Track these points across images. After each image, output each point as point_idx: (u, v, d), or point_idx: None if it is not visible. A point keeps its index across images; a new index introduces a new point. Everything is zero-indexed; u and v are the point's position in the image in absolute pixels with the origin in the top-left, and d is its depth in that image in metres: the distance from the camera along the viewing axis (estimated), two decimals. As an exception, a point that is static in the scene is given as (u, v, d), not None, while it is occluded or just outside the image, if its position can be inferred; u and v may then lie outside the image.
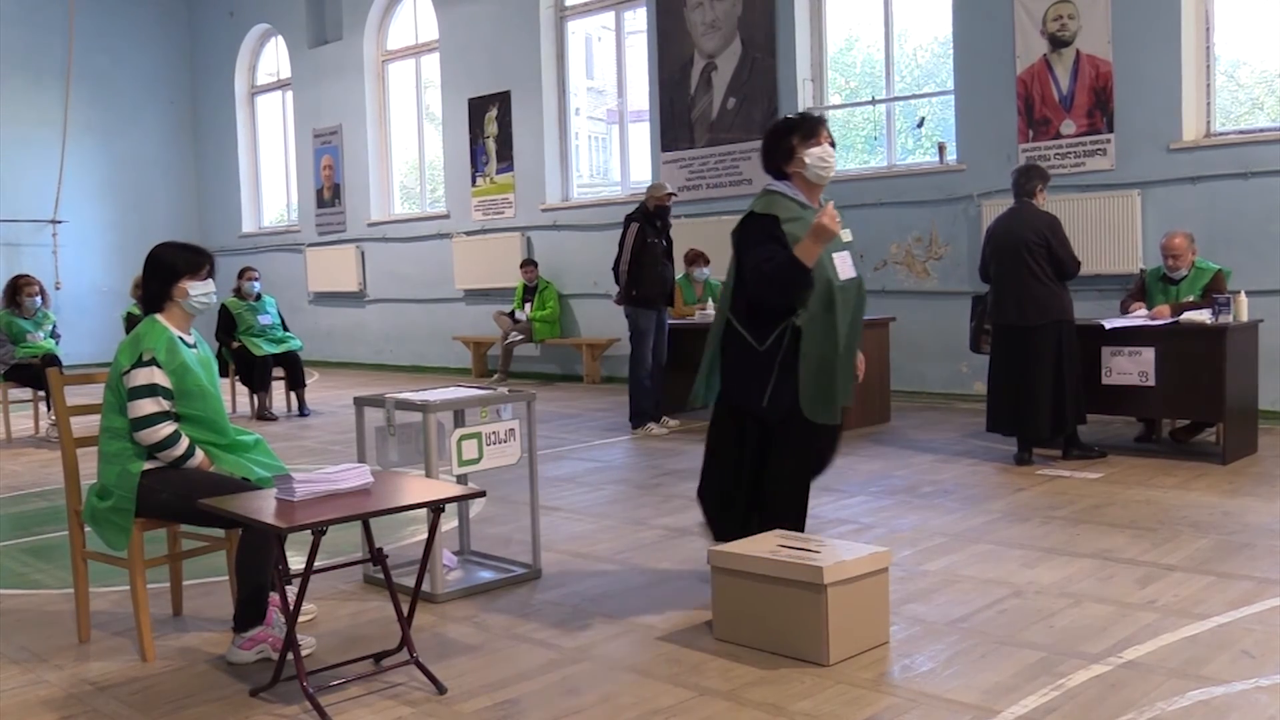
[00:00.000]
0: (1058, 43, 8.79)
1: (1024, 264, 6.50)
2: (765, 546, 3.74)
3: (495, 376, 12.22)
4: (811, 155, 3.99)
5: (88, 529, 3.92)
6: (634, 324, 8.42)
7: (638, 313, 8.38)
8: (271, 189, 16.86)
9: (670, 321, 8.74)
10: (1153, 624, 3.77)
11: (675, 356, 8.78)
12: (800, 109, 10.34)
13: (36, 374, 8.96)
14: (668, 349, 8.63)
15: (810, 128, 4.02)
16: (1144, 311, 6.97)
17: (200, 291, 3.86)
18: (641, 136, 12.01)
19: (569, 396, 10.90)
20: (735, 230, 4.05)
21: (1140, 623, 3.78)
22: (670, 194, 8.49)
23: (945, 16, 9.61)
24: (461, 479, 4.52)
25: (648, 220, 8.37)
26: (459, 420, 4.61)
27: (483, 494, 3.67)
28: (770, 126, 4.15)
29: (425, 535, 3.78)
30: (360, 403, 4.62)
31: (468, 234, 13.41)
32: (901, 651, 3.61)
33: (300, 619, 3.56)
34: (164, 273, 3.85)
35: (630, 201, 11.17)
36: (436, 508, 3.46)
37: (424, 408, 4.28)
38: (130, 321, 9.11)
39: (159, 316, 3.84)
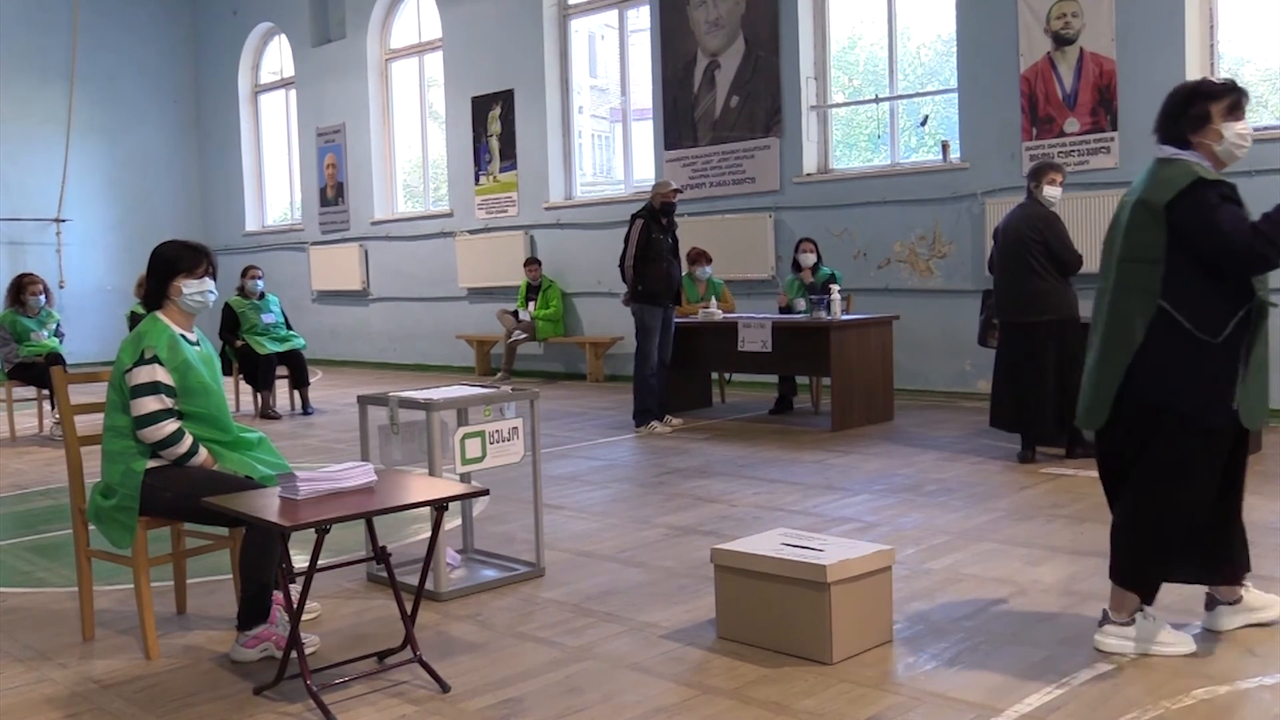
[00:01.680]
0: (1061, 41, 8.78)
1: (1024, 261, 6.51)
2: (768, 545, 3.74)
3: (499, 375, 12.22)
4: (1231, 130, 3.44)
5: (92, 527, 3.92)
6: (640, 321, 8.42)
7: (644, 309, 8.39)
8: (275, 187, 16.87)
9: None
10: (1157, 622, 3.76)
11: (678, 354, 8.79)
12: (803, 107, 10.34)
13: (41, 372, 8.97)
14: (672, 348, 8.63)
15: (1236, 100, 3.48)
16: None
17: (195, 290, 3.85)
18: (645, 135, 12.01)
19: (572, 395, 10.90)
20: (1172, 200, 3.34)
21: (1144, 621, 3.78)
22: (675, 190, 8.50)
23: (949, 14, 9.59)
24: (465, 477, 4.52)
25: (653, 217, 8.38)
26: (462, 419, 4.62)
27: (486, 492, 3.67)
28: (1183, 88, 3.56)
29: (429, 534, 3.78)
30: (364, 401, 4.62)
31: (471, 232, 13.41)
32: (905, 650, 3.61)
33: (304, 617, 3.56)
34: (161, 269, 3.85)
35: (633, 200, 11.19)
36: (440, 506, 3.46)
37: (427, 406, 4.29)
38: (134, 320, 9.12)
39: (160, 314, 3.84)
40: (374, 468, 3.60)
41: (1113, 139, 8.57)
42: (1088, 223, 8.50)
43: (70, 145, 15.62)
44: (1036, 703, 3.14)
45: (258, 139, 16.74)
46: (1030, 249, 6.49)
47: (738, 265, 10.61)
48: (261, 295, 10.37)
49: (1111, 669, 3.37)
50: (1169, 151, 3.51)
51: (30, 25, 15.39)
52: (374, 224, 14.64)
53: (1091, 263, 7.87)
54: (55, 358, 9.01)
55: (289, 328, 10.50)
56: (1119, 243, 3.51)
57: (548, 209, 12.61)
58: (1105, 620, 3.55)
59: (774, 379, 9.37)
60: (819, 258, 9.12)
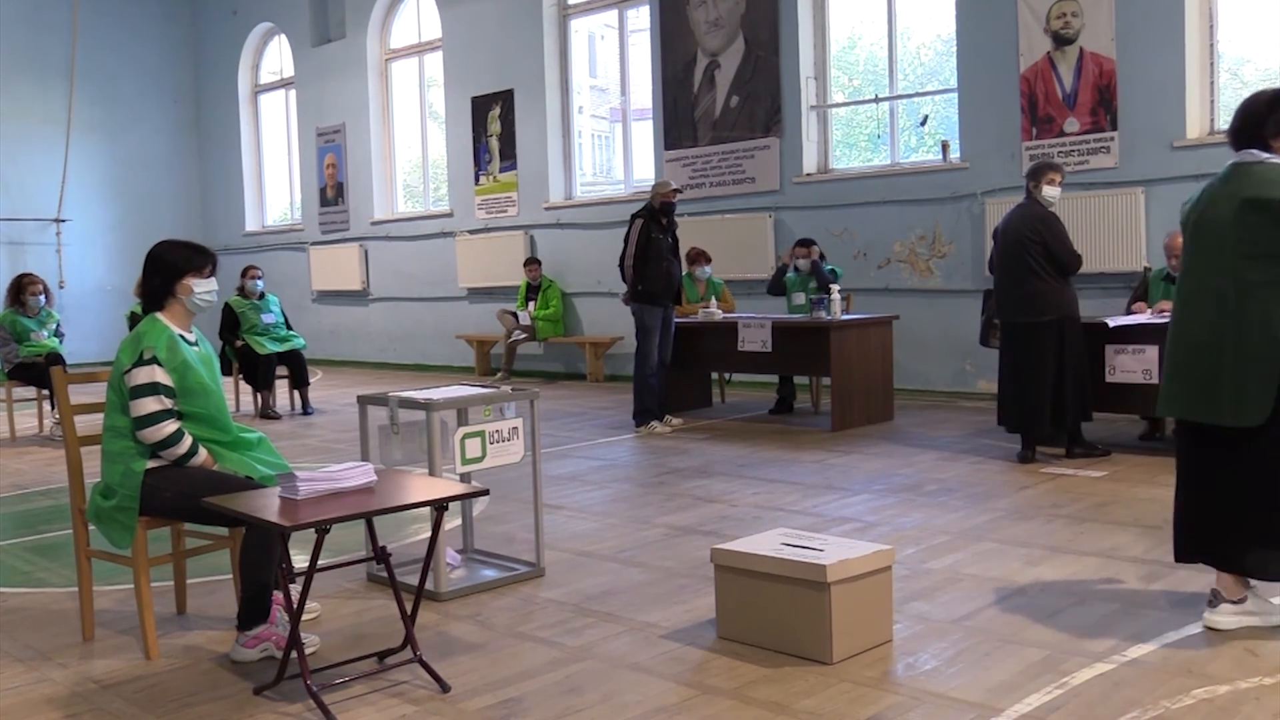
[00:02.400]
0: (1061, 40, 8.78)
1: (1023, 261, 6.51)
2: (768, 545, 3.74)
3: (498, 375, 12.22)
4: None
5: (92, 527, 3.92)
6: (640, 321, 8.42)
7: (644, 309, 8.38)
8: (275, 187, 16.87)
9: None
10: (1157, 622, 3.76)
11: (678, 354, 8.78)
12: (803, 107, 10.34)
13: (41, 373, 8.97)
14: (672, 347, 8.63)
15: None
16: (1147, 313, 6.98)
17: (204, 290, 3.88)
18: (644, 135, 12.01)
19: (572, 395, 10.90)
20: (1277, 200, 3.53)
21: (1144, 621, 3.78)
22: (675, 190, 8.51)
23: (948, 14, 9.59)
24: (465, 477, 4.52)
25: (652, 217, 8.38)
26: (462, 419, 4.62)
27: (486, 492, 3.67)
28: (1265, 95, 3.74)
29: (429, 534, 3.78)
30: (364, 401, 4.62)
31: (471, 232, 13.41)
32: (905, 650, 3.61)
33: (304, 617, 3.56)
34: (168, 269, 3.85)
35: (633, 200, 11.19)
36: (440, 506, 3.45)
37: (427, 406, 4.28)
38: (134, 320, 9.11)
39: (159, 315, 3.84)
40: (374, 468, 3.60)
41: (1112, 139, 8.56)
42: (1087, 223, 8.50)
43: (70, 145, 15.62)
44: (1036, 703, 3.14)
45: (258, 139, 16.74)
46: (1029, 249, 6.49)
47: (738, 265, 10.61)
48: (261, 295, 10.37)
49: (1111, 669, 3.37)
50: (1254, 154, 3.64)
51: (30, 25, 15.39)
52: (374, 224, 14.65)
53: (1091, 263, 7.92)
54: (55, 358, 9.02)
55: (289, 328, 10.50)
56: (1226, 241, 3.60)
57: (548, 209, 12.61)
58: (1217, 600, 3.67)
59: (774, 379, 9.38)
60: (821, 256, 9.09)
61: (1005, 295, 6.67)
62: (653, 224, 8.35)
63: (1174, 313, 3.81)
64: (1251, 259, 3.54)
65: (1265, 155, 3.61)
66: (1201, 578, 4.24)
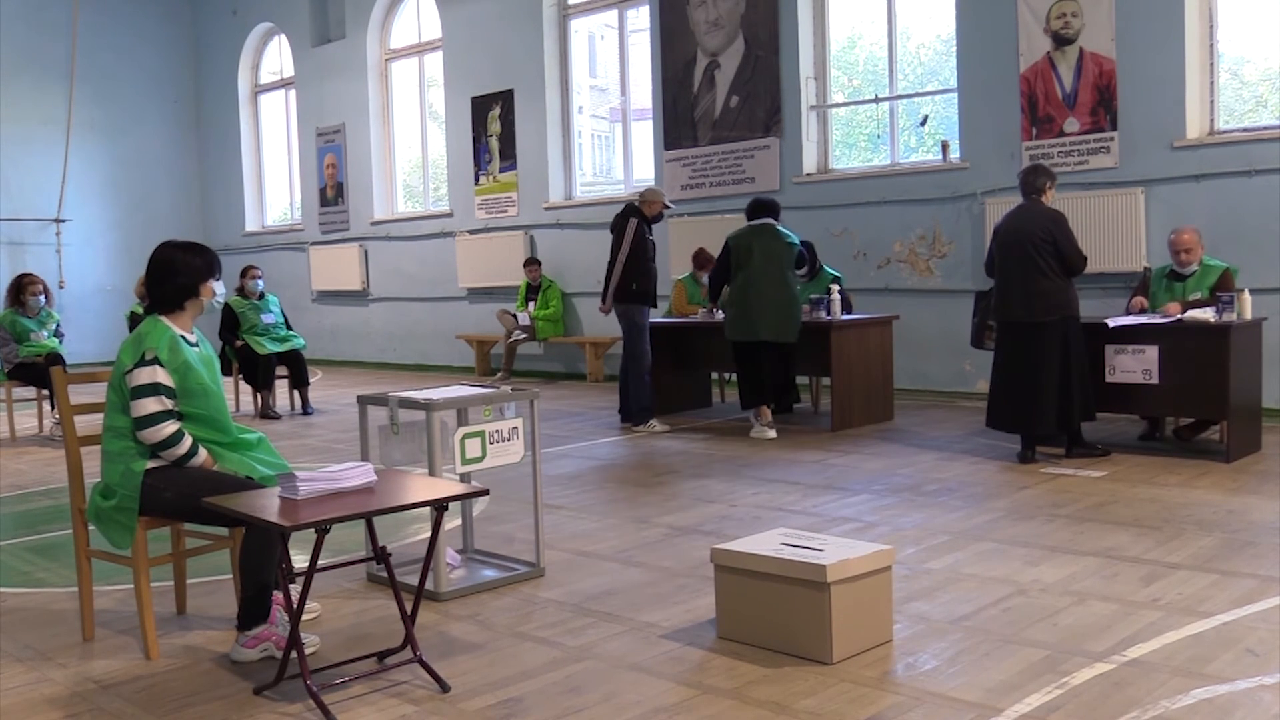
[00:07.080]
0: (1061, 40, 8.78)
1: (1031, 261, 6.50)
2: (768, 545, 3.74)
3: (498, 375, 12.22)
4: None
5: (92, 527, 3.92)
6: (632, 320, 8.40)
7: (635, 309, 8.36)
8: (275, 187, 16.88)
9: (671, 320, 8.73)
10: (1156, 622, 3.76)
11: (678, 354, 8.78)
12: (803, 107, 10.34)
13: (40, 373, 8.97)
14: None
15: None
16: (1145, 310, 6.98)
17: (221, 290, 3.96)
18: (644, 135, 12.01)
19: (572, 395, 10.90)
20: None
21: (1144, 621, 3.78)
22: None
23: (948, 14, 9.59)
24: (465, 477, 4.52)
25: (642, 217, 8.41)
26: (462, 419, 4.62)
27: (486, 492, 3.66)
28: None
29: (428, 534, 3.78)
30: (364, 401, 4.62)
31: (471, 232, 13.41)
32: (905, 650, 3.61)
33: (304, 617, 3.57)
34: (199, 273, 3.88)
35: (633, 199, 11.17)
36: (440, 506, 3.45)
37: (427, 406, 4.28)
38: (134, 320, 9.12)
39: (161, 316, 3.84)
40: (374, 468, 3.60)
41: (1112, 139, 8.56)
42: (1087, 223, 8.50)
43: (70, 145, 15.62)
44: (1036, 702, 3.14)
45: (258, 139, 16.74)
46: (1039, 248, 6.48)
47: (738, 265, 10.59)
48: (261, 295, 10.37)
49: (1111, 669, 3.37)
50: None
51: (30, 25, 15.39)
52: (374, 224, 14.65)
53: (1091, 263, 7.92)
54: (55, 358, 9.02)
55: (289, 328, 10.50)
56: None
57: (547, 209, 12.61)
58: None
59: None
60: (810, 266, 8.98)
61: (1010, 294, 6.64)
62: (644, 224, 8.39)
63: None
64: None
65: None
66: (1201, 577, 4.25)
